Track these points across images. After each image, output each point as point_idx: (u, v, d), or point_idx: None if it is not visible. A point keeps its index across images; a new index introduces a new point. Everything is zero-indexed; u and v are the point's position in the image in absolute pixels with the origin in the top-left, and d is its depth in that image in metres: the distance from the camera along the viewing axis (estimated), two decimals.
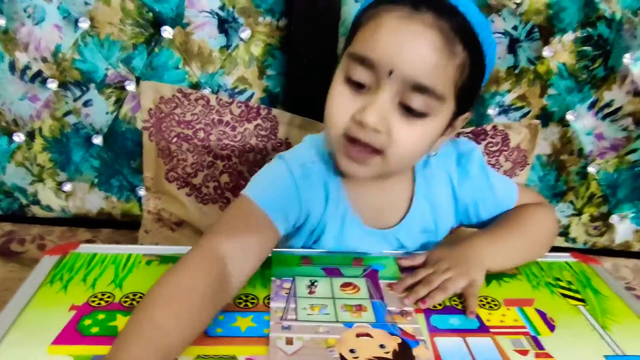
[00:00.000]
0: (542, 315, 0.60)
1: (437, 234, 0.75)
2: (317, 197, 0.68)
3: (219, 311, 0.55)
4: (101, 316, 0.55)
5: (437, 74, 0.56)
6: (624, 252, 1.19)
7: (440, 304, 0.61)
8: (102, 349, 0.50)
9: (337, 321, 0.56)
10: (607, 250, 1.19)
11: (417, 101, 0.57)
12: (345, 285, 0.63)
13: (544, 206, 0.76)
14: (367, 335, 0.55)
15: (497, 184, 0.74)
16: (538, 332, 0.58)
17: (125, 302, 0.57)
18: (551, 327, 0.59)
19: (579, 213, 1.16)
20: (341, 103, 0.60)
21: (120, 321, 0.54)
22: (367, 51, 0.57)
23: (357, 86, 0.59)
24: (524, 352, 0.54)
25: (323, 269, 0.66)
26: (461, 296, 0.62)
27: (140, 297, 0.58)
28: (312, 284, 0.63)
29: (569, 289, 0.67)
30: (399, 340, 0.54)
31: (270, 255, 0.66)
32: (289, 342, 0.52)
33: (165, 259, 0.66)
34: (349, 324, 0.56)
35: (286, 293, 0.60)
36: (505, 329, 0.58)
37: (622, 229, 1.17)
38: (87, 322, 0.54)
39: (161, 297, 0.50)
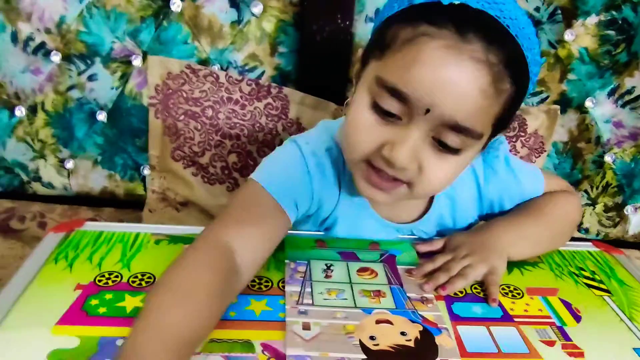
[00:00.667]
0: (567, 305, 0.58)
1: (454, 230, 0.72)
2: (330, 189, 0.64)
3: (228, 305, 0.52)
4: (109, 296, 0.52)
5: (479, 116, 0.50)
6: (637, 243, 1.17)
7: (461, 292, 0.58)
8: (109, 330, 0.48)
9: (356, 307, 0.54)
10: (621, 242, 1.17)
11: (453, 140, 0.52)
12: (362, 270, 0.61)
13: (569, 194, 0.73)
14: (387, 322, 0.52)
15: (523, 178, 0.70)
16: (564, 322, 0.55)
17: (134, 282, 0.55)
18: (577, 318, 0.56)
19: (593, 203, 1.13)
20: (366, 131, 0.53)
21: (129, 301, 0.52)
22: (403, 85, 0.50)
23: (386, 114, 0.52)
24: (550, 343, 0.52)
25: (339, 253, 0.63)
26: (482, 284, 0.60)
27: (150, 278, 0.55)
28: (328, 267, 0.60)
29: (593, 279, 0.64)
30: (420, 328, 0.52)
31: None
32: (306, 327, 0.50)
33: (174, 239, 0.63)
34: (368, 310, 0.54)
35: (301, 276, 0.58)
36: (529, 318, 0.55)
37: (636, 220, 1.14)
38: (94, 302, 0.51)
39: (169, 294, 0.47)
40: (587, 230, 1.16)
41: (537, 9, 0.97)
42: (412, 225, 0.69)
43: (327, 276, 0.59)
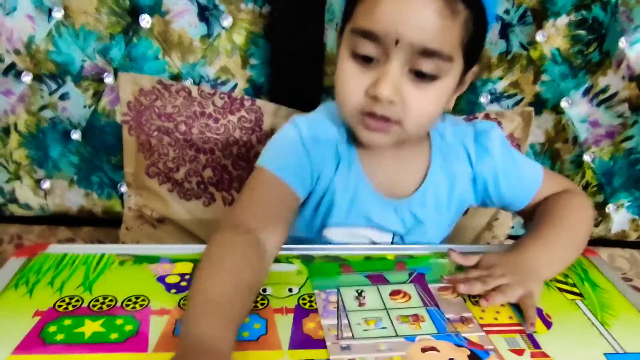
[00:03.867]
0: (538, 311, 0.57)
1: (450, 209, 0.73)
2: (327, 159, 0.68)
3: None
4: (67, 322, 0.51)
5: (442, 36, 0.56)
6: (620, 242, 1.17)
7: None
8: (67, 358, 0.47)
9: (397, 335, 0.52)
10: (603, 240, 1.17)
11: (426, 65, 0.57)
12: (394, 293, 0.59)
13: (581, 196, 0.72)
14: (433, 349, 0.50)
15: (521, 162, 0.72)
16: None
17: (95, 306, 0.53)
18: (548, 324, 0.56)
19: None
20: (351, 80, 0.60)
21: (88, 326, 0.50)
22: (371, 24, 0.56)
23: (365, 60, 0.58)
24: (519, 352, 0.51)
25: (367, 277, 0.62)
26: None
27: (111, 301, 0.54)
28: (359, 294, 0.58)
29: (566, 283, 0.63)
30: (468, 352, 0.50)
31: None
32: None
33: (139, 259, 0.62)
34: (410, 338, 0.52)
35: (334, 307, 0.56)
36: (499, 326, 0.55)
37: (618, 218, 1.14)
38: (52, 328, 0.50)
39: (215, 269, 0.52)
40: None
41: (507, 12, 0.97)
42: (410, 200, 0.69)
43: (360, 304, 0.57)
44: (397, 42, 0.55)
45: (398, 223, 0.70)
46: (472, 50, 0.60)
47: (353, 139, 0.68)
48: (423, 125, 0.63)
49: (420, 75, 0.57)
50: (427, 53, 0.56)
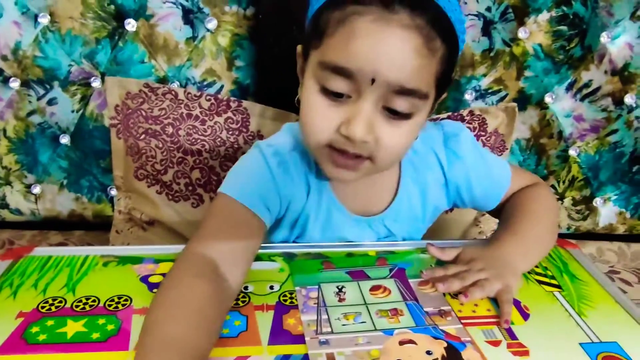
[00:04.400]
0: (516, 303, 0.58)
1: (425, 219, 0.73)
2: (297, 187, 0.66)
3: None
4: (50, 322, 0.52)
5: (420, 75, 0.54)
6: (608, 235, 1.18)
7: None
8: (49, 358, 0.47)
9: (376, 329, 0.53)
10: (592, 234, 1.18)
11: (401, 104, 0.54)
12: (374, 288, 0.60)
13: (545, 188, 0.74)
14: (411, 342, 0.51)
15: (490, 161, 0.72)
16: (512, 321, 0.55)
17: (77, 306, 0.54)
18: (525, 316, 0.56)
19: (561, 197, 1.14)
20: (320, 115, 0.56)
21: (71, 327, 0.51)
22: (344, 61, 0.53)
23: (335, 95, 0.55)
24: (495, 343, 0.52)
25: (347, 273, 0.62)
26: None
27: (94, 301, 0.55)
28: (340, 290, 0.59)
29: (545, 275, 0.64)
30: (445, 344, 0.51)
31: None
32: (330, 358, 0.49)
33: (123, 260, 0.63)
34: (388, 332, 0.52)
35: (314, 303, 0.56)
36: (477, 319, 0.55)
37: (605, 211, 1.15)
38: (35, 329, 0.51)
39: (164, 311, 0.48)
40: (558, 225, 1.16)
41: (489, 9, 0.98)
42: (383, 215, 0.69)
43: (340, 299, 0.57)
44: (373, 80, 0.52)
45: (373, 237, 0.71)
46: (445, 81, 0.58)
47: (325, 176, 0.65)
48: (394, 160, 0.62)
49: (394, 113, 0.55)
50: (404, 92, 0.53)
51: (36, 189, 1.08)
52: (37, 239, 1.10)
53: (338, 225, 0.69)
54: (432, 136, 0.70)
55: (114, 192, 1.08)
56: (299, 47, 0.63)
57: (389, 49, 0.52)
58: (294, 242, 0.71)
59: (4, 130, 1.03)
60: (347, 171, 0.59)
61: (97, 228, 1.12)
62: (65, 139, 1.05)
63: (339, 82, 0.54)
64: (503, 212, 0.72)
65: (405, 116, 0.56)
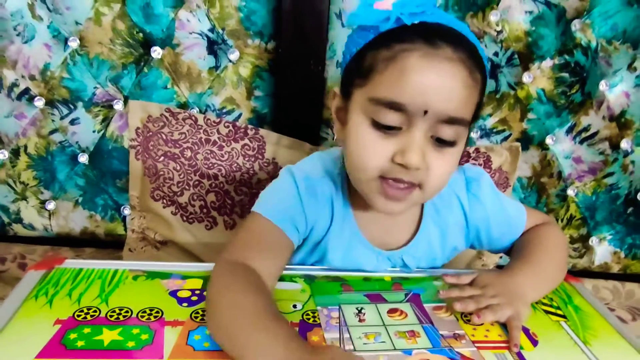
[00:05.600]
0: (525, 330, 0.61)
1: (442, 258, 0.76)
2: (321, 212, 0.69)
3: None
4: (87, 330, 0.54)
5: (466, 105, 0.59)
6: (603, 273, 1.22)
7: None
8: None
9: (395, 349, 0.56)
10: (587, 272, 1.21)
11: (447, 132, 0.59)
12: (391, 311, 0.63)
13: (556, 226, 0.78)
14: None
15: (507, 205, 0.76)
16: (521, 346, 0.59)
17: (112, 316, 0.57)
18: (534, 342, 0.60)
19: None
20: (373, 148, 0.60)
21: (106, 335, 0.54)
22: (397, 96, 0.57)
23: (387, 128, 0.59)
24: None
25: (366, 295, 0.66)
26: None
27: (127, 312, 0.58)
28: (359, 311, 0.62)
29: (551, 306, 0.68)
30: None
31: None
32: None
33: (152, 275, 0.65)
34: (407, 351, 0.55)
35: (336, 323, 0.60)
36: (489, 343, 0.59)
37: (601, 250, 1.19)
38: (73, 336, 0.53)
39: (226, 291, 0.56)
40: None
41: (496, 54, 1.05)
42: (402, 251, 0.73)
43: (360, 320, 0.61)
44: (425, 112, 0.57)
45: (389, 267, 0.74)
46: (478, 112, 0.64)
47: (349, 195, 0.70)
48: (441, 187, 0.65)
49: (440, 142, 0.59)
50: (451, 121, 0.58)
51: (50, 205, 1.10)
52: (48, 255, 1.12)
53: (357, 254, 0.71)
54: (454, 180, 0.73)
55: (127, 211, 1.10)
56: (335, 89, 0.67)
57: (440, 81, 0.56)
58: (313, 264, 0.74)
59: (25, 147, 1.06)
60: (397, 203, 0.62)
61: (107, 246, 1.14)
62: (83, 158, 1.08)
63: (392, 115, 0.58)
64: (516, 245, 0.75)
65: (451, 144, 0.60)
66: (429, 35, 0.57)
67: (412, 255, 0.73)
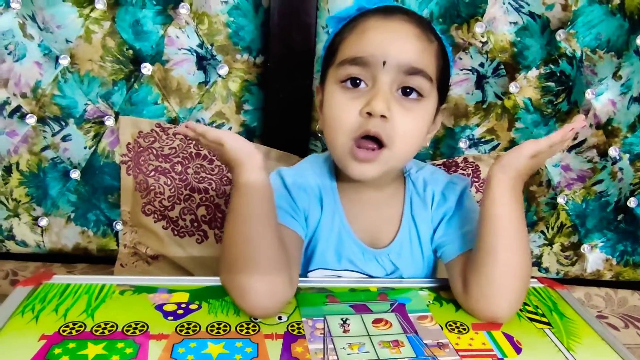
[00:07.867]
0: (510, 338, 0.62)
1: (423, 257, 0.76)
2: (312, 205, 0.72)
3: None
4: (72, 345, 0.54)
5: (423, 57, 0.64)
6: (596, 281, 1.22)
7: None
8: None
9: (379, 359, 0.56)
10: (580, 280, 1.22)
11: (414, 82, 0.64)
12: (376, 321, 0.63)
13: None
14: None
15: (472, 217, 0.71)
16: (505, 354, 0.59)
17: (97, 331, 0.57)
18: (517, 350, 0.60)
19: (550, 243, 1.18)
20: (344, 107, 0.65)
21: (91, 349, 0.54)
22: (358, 52, 0.64)
23: (354, 85, 0.65)
24: None
25: (351, 306, 0.66)
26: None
27: (112, 327, 0.58)
28: (344, 322, 0.62)
29: (536, 313, 0.68)
30: None
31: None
32: None
33: (139, 289, 0.66)
34: None
35: (321, 333, 0.60)
36: (473, 351, 0.59)
37: (593, 258, 1.20)
38: (57, 351, 0.53)
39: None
40: (547, 270, 1.21)
41: (482, 65, 1.06)
42: (388, 249, 0.74)
43: (345, 330, 0.61)
44: (384, 63, 0.62)
45: (380, 270, 0.75)
46: (443, 85, 0.69)
47: (336, 185, 0.73)
48: (409, 148, 0.67)
49: (406, 94, 0.64)
50: (412, 71, 0.63)
51: (43, 222, 1.11)
52: (40, 271, 1.12)
53: (347, 249, 0.73)
54: (437, 179, 0.75)
55: (119, 226, 1.11)
56: (318, 85, 0.73)
57: (395, 34, 0.64)
58: (305, 268, 0.75)
59: (17, 164, 1.07)
60: (368, 165, 0.66)
61: (100, 262, 1.14)
62: (75, 174, 1.09)
63: (355, 69, 0.64)
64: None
65: (417, 97, 0.65)
66: (386, 9, 0.67)
67: (397, 252, 0.74)
